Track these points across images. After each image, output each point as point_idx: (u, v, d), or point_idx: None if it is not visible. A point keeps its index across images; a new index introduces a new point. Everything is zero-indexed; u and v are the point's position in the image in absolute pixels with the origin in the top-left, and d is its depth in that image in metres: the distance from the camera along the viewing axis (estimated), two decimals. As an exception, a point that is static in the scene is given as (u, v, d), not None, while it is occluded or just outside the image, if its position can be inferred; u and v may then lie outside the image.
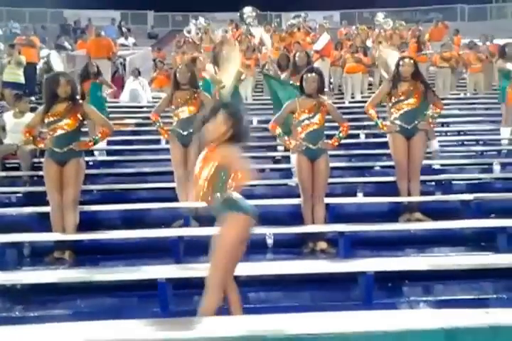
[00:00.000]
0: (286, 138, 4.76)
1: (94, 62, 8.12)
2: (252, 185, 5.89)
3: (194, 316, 2.92)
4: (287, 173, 6.42)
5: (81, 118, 4.52)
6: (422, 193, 5.23)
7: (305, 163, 4.62)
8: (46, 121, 4.48)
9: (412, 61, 5.11)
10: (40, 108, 4.65)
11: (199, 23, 14.58)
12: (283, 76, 6.93)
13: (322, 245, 4.54)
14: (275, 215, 4.95)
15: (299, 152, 4.64)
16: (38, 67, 11.11)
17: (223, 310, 3.00)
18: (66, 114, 4.44)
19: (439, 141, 7.79)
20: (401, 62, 5.09)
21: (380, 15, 14.11)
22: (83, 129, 4.96)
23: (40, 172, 6.33)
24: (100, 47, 11.00)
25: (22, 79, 9.77)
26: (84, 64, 8.04)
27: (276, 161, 7.04)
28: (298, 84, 4.92)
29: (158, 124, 5.34)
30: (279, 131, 4.74)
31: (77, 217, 4.55)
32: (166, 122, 5.54)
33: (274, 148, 7.46)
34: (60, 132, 4.46)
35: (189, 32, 14.12)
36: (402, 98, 5.03)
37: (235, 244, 2.89)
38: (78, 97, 4.72)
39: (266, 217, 4.83)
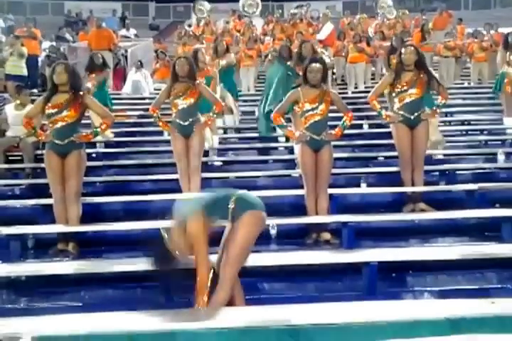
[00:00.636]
0: (289, 128, 4.72)
1: (100, 53, 8.02)
2: (255, 176, 5.91)
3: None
4: (290, 164, 6.40)
5: (82, 109, 4.50)
6: (426, 183, 5.22)
7: (308, 153, 4.59)
8: (47, 112, 4.46)
9: (414, 49, 5.06)
10: (40, 98, 4.63)
11: (199, 10, 14.44)
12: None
13: (326, 236, 4.53)
14: (278, 206, 4.93)
15: (303, 143, 4.62)
16: (40, 59, 11.08)
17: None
18: (66, 106, 4.41)
19: (443, 131, 7.76)
20: (403, 51, 5.04)
21: (385, 1, 13.86)
22: (86, 121, 4.96)
23: (43, 165, 6.36)
24: (101, 38, 10.93)
25: (25, 72, 9.75)
26: (89, 56, 7.92)
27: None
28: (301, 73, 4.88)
29: (156, 118, 5.31)
30: (282, 121, 4.71)
31: (80, 208, 4.55)
32: (168, 113, 5.52)
33: (275, 139, 7.44)
34: (60, 124, 4.44)
35: (190, 26, 14.05)
36: (405, 88, 4.98)
37: (253, 241, 3.01)
38: (81, 88, 4.66)
39: (269, 208, 4.84)
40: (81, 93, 4.55)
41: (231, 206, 2.98)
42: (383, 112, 5.13)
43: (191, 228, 2.93)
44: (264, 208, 3.05)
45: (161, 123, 5.33)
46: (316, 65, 4.58)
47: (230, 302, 3.00)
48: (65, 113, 4.42)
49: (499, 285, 3.78)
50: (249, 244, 3.00)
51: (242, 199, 3.02)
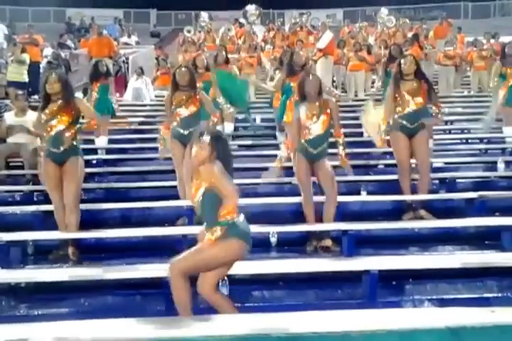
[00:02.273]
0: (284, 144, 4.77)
1: (104, 61, 8.04)
2: (255, 184, 5.91)
3: (198, 314, 2.92)
4: (290, 172, 6.41)
5: (75, 114, 4.44)
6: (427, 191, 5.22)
7: (303, 162, 4.59)
8: (43, 120, 4.45)
9: (413, 58, 5.09)
10: (38, 109, 4.65)
11: (202, 21, 14.55)
12: (277, 76, 6.88)
13: (327, 242, 4.52)
14: (278, 214, 4.94)
15: (298, 152, 4.61)
16: (41, 65, 11.13)
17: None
18: (58, 113, 4.39)
19: (443, 139, 7.78)
20: (402, 61, 5.07)
21: (383, 12, 14.01)
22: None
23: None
24: (102, 46, 10.98)
25: (25, 78, 9.78)
26: (94, 63, 7.91)
27: None
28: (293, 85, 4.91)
29: (164, 139, 5.31)
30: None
31: (79, 215, 4.51)
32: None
33: (276, 147, 7.45)
34: (54, 131, 4.40)
35: (189, 31, 14.12)
36: (407, 98, 5.00)
37: (219, 264, 2.96)
38: (75, 95, 4.57)
39: (269, 216, 4.85)
40: (71, 98, 4.46)
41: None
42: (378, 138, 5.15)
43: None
44: (247, 238, 3.00)
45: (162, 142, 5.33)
46: (312, 80, 4.54)
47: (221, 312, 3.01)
48: (57, 120, 4.39)
49: (499, 294, 3.77)
50: (213, 263, 2.96)
51: (235, 225, 2.99)
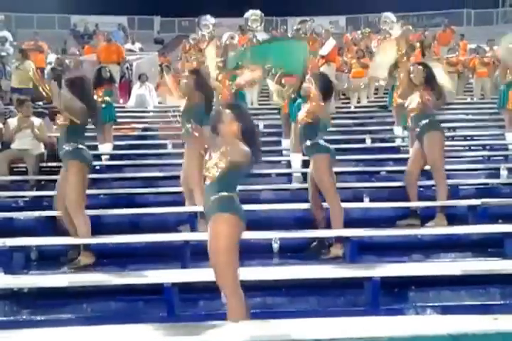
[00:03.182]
0: None
1: (107, 67, 8.05)
2: (257, 190, 5.92)
3: (201, 321, 2.92)
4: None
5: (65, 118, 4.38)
6: (429, 198, 5.22)
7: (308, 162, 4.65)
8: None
9: (421, 67, 5.07)
10: None
11: (204, 25, 14.55)
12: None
13: (335, 252, 4.49)
14: (281, 220, 4.94)
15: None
16: (45, 71, 11.19)
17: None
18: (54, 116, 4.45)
19: (446, 146, 7.76)
20: (411, 69, 5.11)
21: (388, 16, 13.89)
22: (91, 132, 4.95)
23: (47, 177, 6.40)
24: (111, 52, 11.09)
25: (30, 85, 9.82)
26: (96, 69, 7.86)
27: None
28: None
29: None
30: None
31: (82, 221, 4.40)
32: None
33: (279, 153, 7.47)
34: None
35: (194, 39, 14.16)
36: (412, 105, 5.03)
37: (232, 245, 2.88)
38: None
39: (271, 222, 4.85)
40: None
41: None
42: None
43: None
44: (241, 214, 2.95)
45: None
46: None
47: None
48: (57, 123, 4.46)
49: (502, 302, 3.77)
50: (228, 248, 2.85)
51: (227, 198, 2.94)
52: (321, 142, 4.55)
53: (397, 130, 7.99)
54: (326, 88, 4.56)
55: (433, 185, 5.84)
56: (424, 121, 5.00)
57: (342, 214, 4.51)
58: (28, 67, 9.50)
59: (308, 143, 4.55)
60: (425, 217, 4.99)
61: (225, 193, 2.92)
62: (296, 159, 6.45)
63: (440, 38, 13.54)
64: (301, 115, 4.61)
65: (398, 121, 7.76)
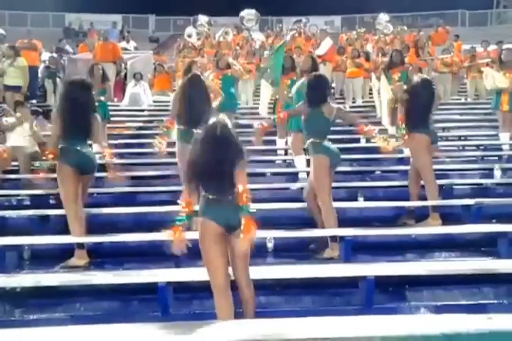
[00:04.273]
0: None
1: (100, 65, 7.97)
2: (254, 189, 5.90)
3: (195, 320, 2.91)
4: (288, 177, 6.42)
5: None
6: (423, 198, 5.23)
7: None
8: None
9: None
10: None
11: (200, 25, 14.54)
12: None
13: (330, 253, 4.50)
14: (276, 219, 4.94)
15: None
16: (39, 70, 11.13)
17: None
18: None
19: (440, 146, 7.79)
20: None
21: (383, 17, 13.97)
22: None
23: (39, 176, 6.36)
24: (107, 51, 11.03)
25: (22, 82, 9.74)
26: (89, 68, 7.77)
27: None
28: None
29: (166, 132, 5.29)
30: None
31: (73, 220, 4.39)
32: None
33: (274, 152, 7.46)
34: None
35: (190, 36, 14.12)
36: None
37: (206, 244, 3.05)
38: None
39: (267, 221, 4.84)
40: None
41: None
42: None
43: None
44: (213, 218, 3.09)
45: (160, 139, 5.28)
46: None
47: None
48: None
49: (496, 301, 3.78)
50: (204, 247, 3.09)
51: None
52: (325, 143, 4.56)
53: (392, 129, 8.01)
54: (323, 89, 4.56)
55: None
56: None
57: (334, 216, 4.48)
58: (20, 63, 9.42)
59: (310, 142, 4.57)
60: (421, 216, 5.00)
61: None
62: (300, 161, 6.42)
63: (433, 37, 13.57)
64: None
65: (393, 121, 7.79)
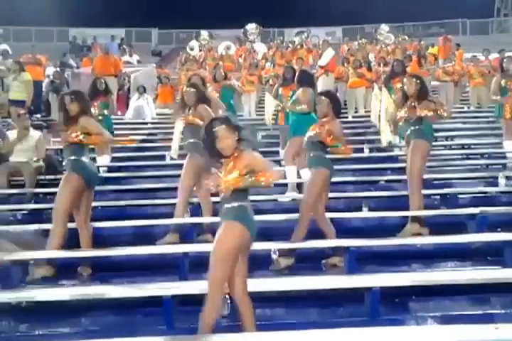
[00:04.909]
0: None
1: (103, 79, 8.02)
2: (256, 200, 5.91)
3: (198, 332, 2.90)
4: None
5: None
6: (428, 207, 5.21)
7: None
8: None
9: (415, 79, 5.12)
10: None
11: (202, 39, 14.71)
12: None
13: (333, 260, 4.49)
14: (279, 231, 4.93)
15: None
16: (43, 84, 11.22)
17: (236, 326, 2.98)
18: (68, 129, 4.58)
19: (444, 155, 7.79)
20: (404, 80, 5.20)
21: (383, 28, 14.13)
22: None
23: (45, 190, 6.39)
24: (107, 64, 11.07)
25: (26, 97, 9.82)
26: (92, 81, 7.80)
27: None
28: None
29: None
30: None
31: (56, 232, 4.48)
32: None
33: (278, 163, 7.46)
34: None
35: (192, 49, 14.24)
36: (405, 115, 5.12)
37: (231, 252, 2.98)
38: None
39: (270, 232, 4.83)
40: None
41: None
42: None
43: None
44: (249, 224, 3.02)
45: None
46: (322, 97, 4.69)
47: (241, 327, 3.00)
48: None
49: (503, 311, 3.74)
50: (226, 255, 2.98)
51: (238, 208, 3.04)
52: (325, 156, 4.61)
53: (395, 139, 8.02)
54: (338, 106, 4.69)
55: (432, 194, 5.87)
56: (411, 128, 5.06)
57: (305, 231, 4.52)
58: (24, 77, 9.50)
59: (311, 155, 4.61)
60: (432, 225, 4.98)
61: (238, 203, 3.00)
62: (291, 172, 6.42)
63: (440, 51, 13.66)
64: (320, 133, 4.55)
65: (396, 131, 7.79)
